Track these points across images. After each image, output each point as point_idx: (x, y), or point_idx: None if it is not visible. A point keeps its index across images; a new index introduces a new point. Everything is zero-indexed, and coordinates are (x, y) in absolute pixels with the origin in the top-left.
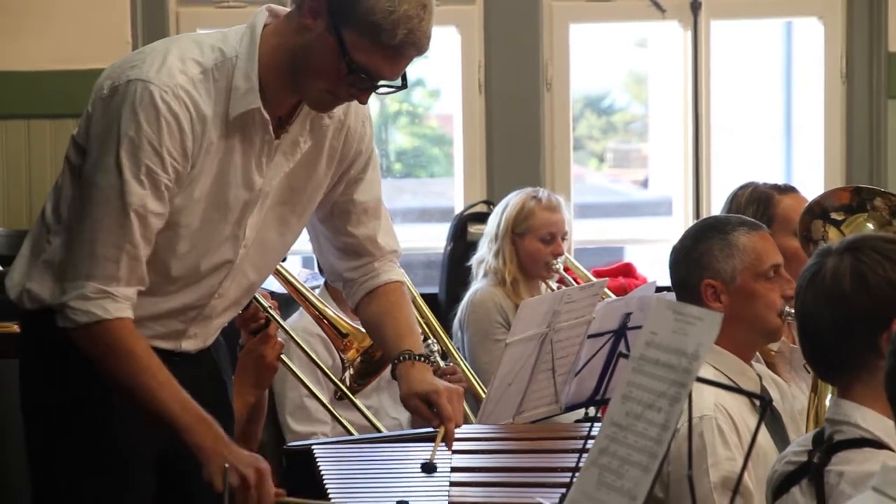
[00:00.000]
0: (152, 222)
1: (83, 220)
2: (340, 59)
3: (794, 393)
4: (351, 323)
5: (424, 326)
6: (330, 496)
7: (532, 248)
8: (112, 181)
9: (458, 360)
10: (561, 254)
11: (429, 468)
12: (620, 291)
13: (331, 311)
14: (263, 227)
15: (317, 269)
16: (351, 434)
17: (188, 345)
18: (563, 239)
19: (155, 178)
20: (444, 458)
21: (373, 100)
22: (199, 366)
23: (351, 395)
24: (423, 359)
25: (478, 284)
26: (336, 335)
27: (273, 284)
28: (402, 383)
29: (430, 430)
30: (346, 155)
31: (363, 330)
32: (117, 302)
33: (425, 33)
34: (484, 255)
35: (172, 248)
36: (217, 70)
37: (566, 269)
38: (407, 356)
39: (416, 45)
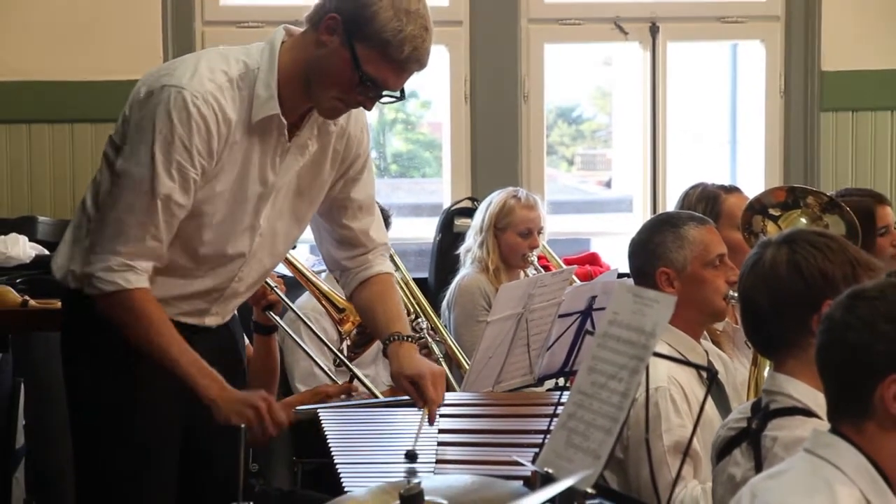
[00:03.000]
0: (176, 212)
1: (115, 204)
2: (353, 70)
3: (736, 366)
4: (346, 300)
5: (415, 306)
6: (333, 454)
7: (512, 241)
8: (144, 171)
9: (445, 335)
10: (537, 246)
11: (411, 456)
12: (587, 277)
13: (326, 287)
14: (276, 219)
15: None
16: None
17: (210, 321)
18: (538, 233)
19: (184, 173)
20: (429, 436)
21: (373, 108)
22: (218, 337)
23: (348, 363)
24: (410, 339)
25: (464, 271)
26: (334, 310)
27: (281, 269)
28: (393, 362)
29: None
30: (347, 157)
31: None
32: (138, 274)
33: (427, 51)
34: (470, 246)
35: (200, 236)
36: (241, 80)
37: (541, 258)
38: (396, 337)
39: (419, 60)
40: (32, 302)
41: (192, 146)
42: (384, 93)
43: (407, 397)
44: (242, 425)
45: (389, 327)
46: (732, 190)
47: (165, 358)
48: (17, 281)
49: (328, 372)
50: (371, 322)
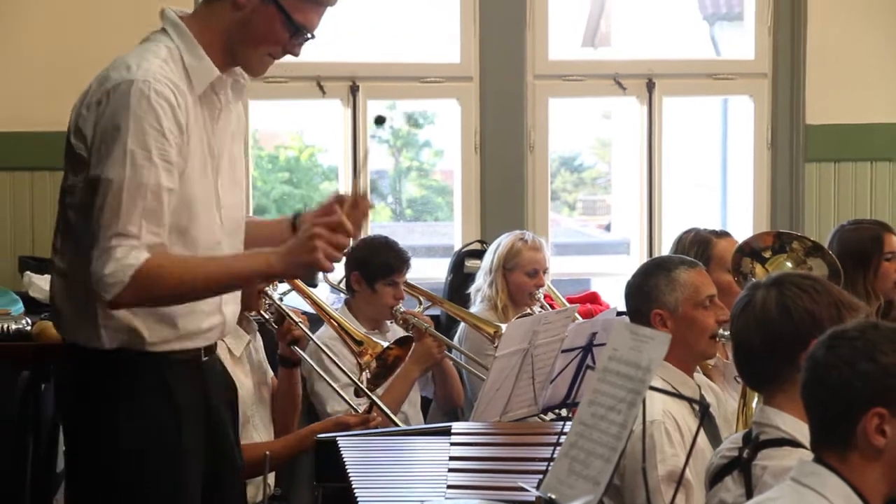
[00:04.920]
0: (165, 198)
1: (102, 211)
2: (284, 24)
3: (726, 398)
4: (364, 333)
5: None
6: (352, 480)
7: (519, 281)
8: (126, 170)
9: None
10: (542, 285)
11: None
12: (587, 315)
13: (347, 323)
14: (227, 191)
15: (342, 294)
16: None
17: (228, 310)
18: (544, 273)
19: (165, 154)
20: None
21: (388, 157)
22: (216, 373)
23: (369, 393)
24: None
25: (475, 308)
26: (353, 342)
27: (303, 305)
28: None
29: (441, 424)
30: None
31: (374, 339)
32: (142, 250)
33: None
34: (480, 285)
35: (193, 223)
36: (172, 58)
37: (546, 297)
38: (300, 213)
39: None
40: None
41: (163, 127)
42: (309, 35)
43: (425, 426)
44: (267, 453)
45: (281, 221)
46: (723, 235)
47: (212, 285)
48: None
49: (349, 400)
50: (261, 231)
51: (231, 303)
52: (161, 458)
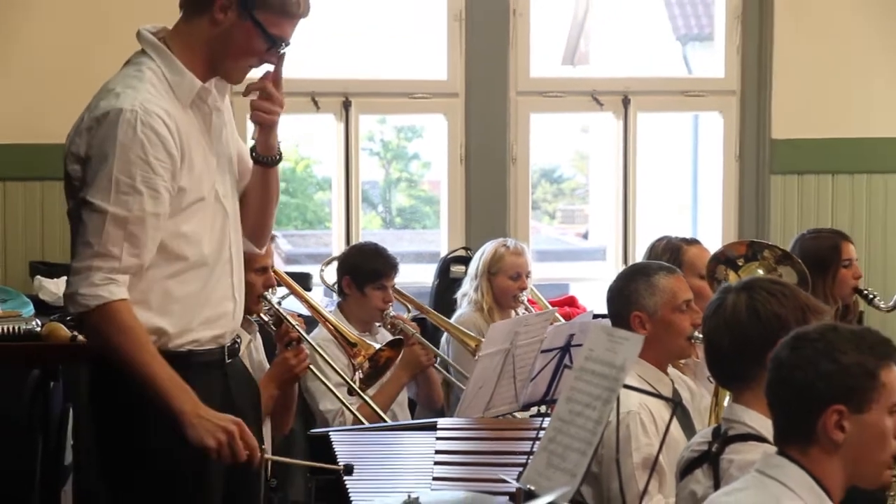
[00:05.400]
0: (150, 222)
1: (88, 230)
2: (261, 37)
3: (702, 393)
4: (358, 335)
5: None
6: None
7: (503, 284)
8: (111, 196)
9: (443, 366)
10: (525, 288)
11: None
12: (566, 317)
13: (343, 325)
14: (228, 187)
15: (334, 297)
16: (362, 423)
17: (238, 296)
18: (527, 277)
19: (150, 182)
20: (427, 456)
21: (378, 168)
22: (240, 375)
23: (361, 392)
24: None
25: (461, 311)
26: (347, 344)
27: (300, 308)
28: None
29: (427, 420)
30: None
31: (367, 341)
32: (119, 286)
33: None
34: (466, 290)
35: (213, 227)
36: (155, 77)
37: (530, 300)
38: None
39: (309, 7)
40: (80, 337)
41: (148, 156)
42: (284, 46)
43: (412, 421)
44: (262, 447)
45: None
46: (693, 242)
47: (146, 371)
48: (68, 318)
49: (342, 399)
50: (250, 190)
51: (240, 288)
52: (187, 456)
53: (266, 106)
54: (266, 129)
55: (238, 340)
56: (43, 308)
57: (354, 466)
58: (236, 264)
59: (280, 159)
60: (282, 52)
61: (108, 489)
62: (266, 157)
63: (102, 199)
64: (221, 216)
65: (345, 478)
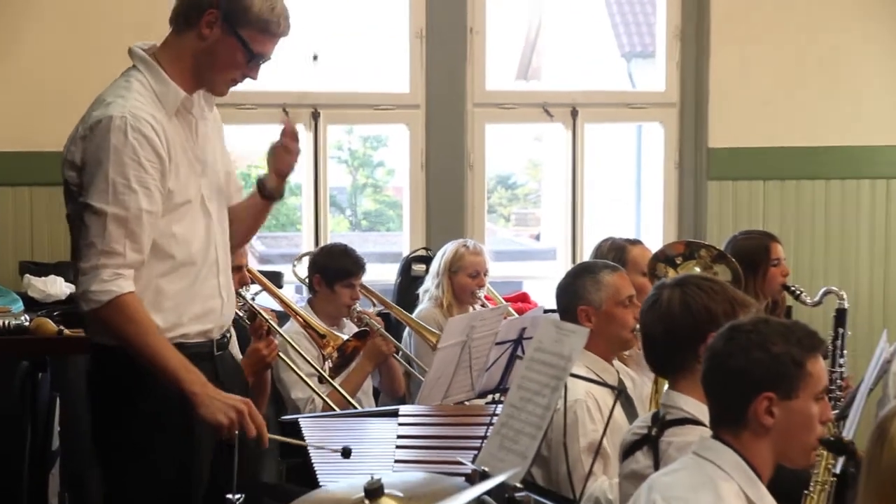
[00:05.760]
0: (146, 219)
1: (91, 232)
2: (244, 53)
3: (644, 381)
4: (327, 328)
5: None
6: (311, 456)
7: (463, 282)
8: (109, 197)
9: (405, 358)
10: (483, 285)
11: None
12: (519, 312)
13: (313, 319)
14: (213, 190)
15: (304, 294)
16: (333, 410)
17: (225, 295)
18: (484, 275)
19: (143, 181)
20: (389, 440)
21: (346, 175)
22: (229, 366)
23: (331, 381)
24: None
25: (423, 306)
26: (317, 336)
27: (272, 304)
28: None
29: (390, 407)
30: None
31: (335, 332)
32: (127, 280)
33: (290, 19)
34: (428, 287)
35: (198, 229)
36: (143, 87)
37: (487, 297)
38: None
39: (289, 27)
40: (66, 331)
41: (139, 157)
42: (264, 61)
43: (375, 408)
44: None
45: (253, 195)
46: (636, 242)
47: (158, 356)
48: (55, 314)
49: (313, 387)
50: (240, 208)
51: (227, 287)
52: (176, 428)
53: (289, 160)
54: (284, 176)
55: (227, 335)
56: (32, 304)
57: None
58: (223, 265)
59: (283, 196)
60: (261, 65)
61: (103, 469)
62: (277, 196)
63: (101, 201)
64: (206, 220)
65: (343, 459)
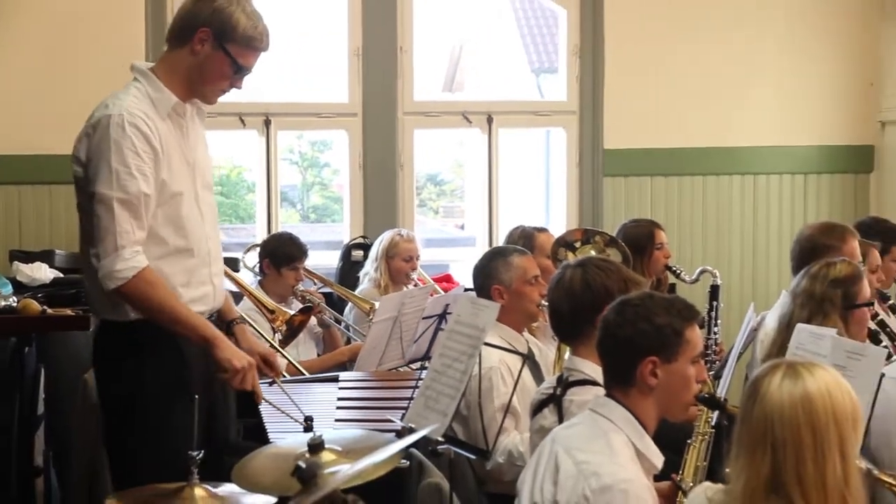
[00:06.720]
0: (147, 202)
1: (104, 217)
2: (231, 66)
3: (550, 349)
4: (275, 304)
5: (330, 310)
6: (264, 416)
7: (398, 266)
8: (115, 183)
9: (343, 329)
10: (416, 268)
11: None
12: (445, 291)
13: (264, 297)
14: (204, 190)
15: (255, 277)
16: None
17: (217, 282)
18: (416, 259)
19: (141, 169)
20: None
21: (297, 174)
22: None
23: (280, 349)
24: (243, 321)
25: (362, 287)
26: (267, 311)
27: (228, 285)
28: (242, 339)
29: (331, 374)
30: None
31: (283, 308)
32: (142, 255)
33: (269, 36)
34: (367, 270)
35: (191, 221)
36: (140, 93)
37: (419, 279)
38: (240, 321)
39: (269, 43)
40: (49, 311)
41: (137, 148)
42: (248, 73)
43: (319, 375)
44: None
45: (230, 313)
46: (542, 230)
47: (182, 314)
48: (39, 296)
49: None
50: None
51: (218, 276)
52: (177, 395)
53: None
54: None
55: (214, 316)
56: (19, 287)
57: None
58: (214, 257)
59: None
60: (245, 77)
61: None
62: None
63: (107, 187)
64: (199, 214)
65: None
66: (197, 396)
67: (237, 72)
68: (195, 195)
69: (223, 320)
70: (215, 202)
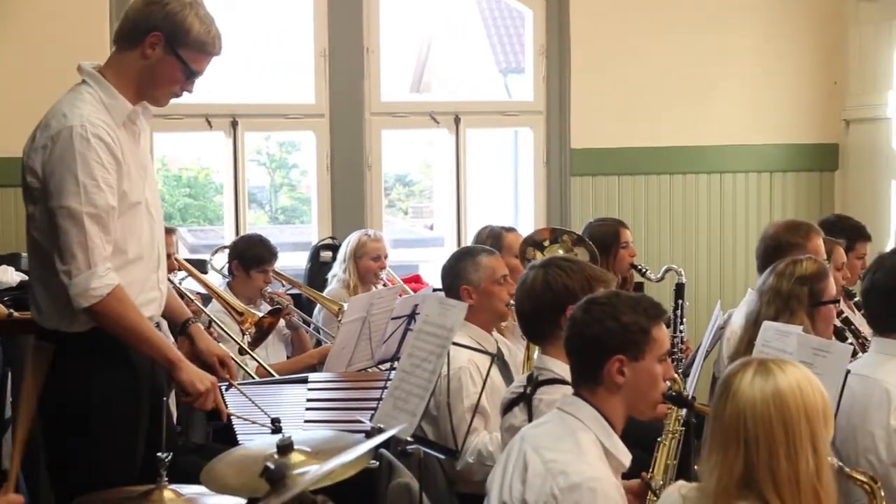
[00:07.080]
0: (113, 215)
1: (69, 234)
2: (183, 71)
3: (519, 348)
4: (244, 306)
5: (299, 311)
6: (233, 418)
7: (366, 265)
8: (83, 198)
9: (313, 331)
10: (384, 268)
11: (277, 428)
12: (415, 291)
13: (232, 299)
14: (153, 193)
15: (223, 279)
16: (252, 378)
17: (163, 287)
18: (385, 258)
19: (107, 180)
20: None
21: (265, 175)
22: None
23: (250, 351)
24: (198, 320)
25: (331, 287)
26: (236, 314)
27: (197, 287)
28: (199, 340)
29: (301, 375)
30: None
31: (252, 310)
32: (113, 272)
33: (222, 39)
34: (336, 271)
35: (144, 228)
36: (94, 99)
37: (388, 279)
38: (194, 321)
39: (222, 47)
40: (16, 314)
41: (102, 159)
42: (199, 77)
43: (288, 376)
44: (165, 398)
45: (182, 314)
46: (510, 230)
47: (150, 333)
48: (5, 299)
49: (234, 358)
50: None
51: (164, 281)
52: (124, 411)
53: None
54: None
55: (158, 323)
56: None
57: (245, 412)
58: (161, 262)
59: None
60: (195, 80)
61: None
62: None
63: (76, 201)
64: (150, 220)
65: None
66: (166, 398)
67: (189, 76)
68: (146, 201)
69: (176, 322)
70: (160, 201)
